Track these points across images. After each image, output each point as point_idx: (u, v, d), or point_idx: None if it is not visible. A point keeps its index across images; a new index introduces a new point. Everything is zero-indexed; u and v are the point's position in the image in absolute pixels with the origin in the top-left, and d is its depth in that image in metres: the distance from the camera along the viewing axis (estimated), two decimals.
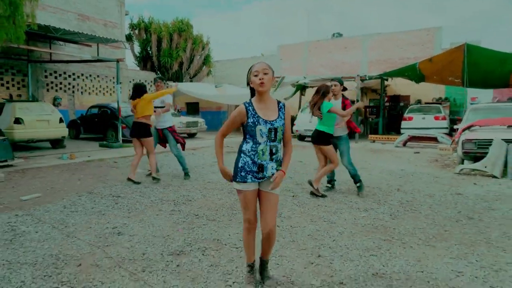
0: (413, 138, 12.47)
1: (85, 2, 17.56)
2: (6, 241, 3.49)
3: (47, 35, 13.33)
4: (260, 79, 2.47)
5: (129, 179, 6.05)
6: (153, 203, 4.88)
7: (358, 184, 5.46)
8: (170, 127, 6.57)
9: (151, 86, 20.33)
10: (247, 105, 2.56)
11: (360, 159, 9.17)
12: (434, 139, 12.01)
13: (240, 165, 2.55)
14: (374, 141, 14.29)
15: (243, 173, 2.53)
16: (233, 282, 2.70)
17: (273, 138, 2.53)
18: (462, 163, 7.75)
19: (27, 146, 11.35)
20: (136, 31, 22.91)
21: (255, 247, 2.69)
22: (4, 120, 10.23)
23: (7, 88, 15.08)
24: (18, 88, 15.46)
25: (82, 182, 6.18)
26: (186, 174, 6.61)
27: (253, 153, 2.52)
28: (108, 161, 8.66)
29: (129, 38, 22.84)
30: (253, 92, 2.62)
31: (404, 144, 12.55)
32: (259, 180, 2.54)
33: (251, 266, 2.67)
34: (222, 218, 4.25)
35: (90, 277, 2.76)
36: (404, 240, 3.57)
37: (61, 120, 11.08)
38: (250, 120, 2.51)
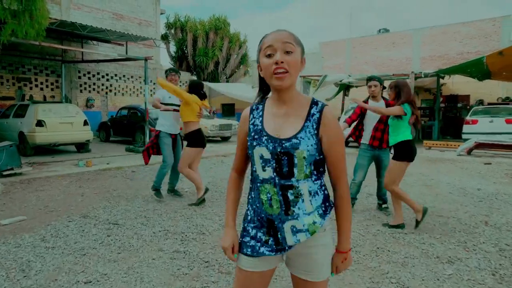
0: (480, 145, 10.54)
1: (120, 1, 17.09)
2: None
3: (77, 33, 12.85)
4: (277, 63, 1.26)
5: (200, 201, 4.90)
6: (155, 236, 3.73)
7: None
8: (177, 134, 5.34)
9: (183, 85, 19.65)
10: (254, 106, 1.44)
11: (417, 171, 7.59)
12: (508, 147, 10.02)
13: (244, 223, 1.46)
14: (430, 148, 12.44)
15: (247, 238, 1.41)
16: None
17: (284, 173, 1.30)
18: None
19: (51, 149, 10.80)
20: (172, 31, 22.36)
21: None
22: (27, 123, 9.71)
23: (41, 89, 14.86)
24: (52, 89, 15.22)
25: (83, 200, 5.20)
26: (175, 191, 5.40)
27: (255, 198, 1.39)
28: (126, 170, 7.71)
29: (165, 37, 22.34)
30: (266, 86, 1.44)
31: (469, 152, 10.65)
32: (272, 254, 1.35)
33: None
34: None
35: None
36: None
37: (85, 123, 10.41)
38: (249, 134, 1.39)
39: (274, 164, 1.30)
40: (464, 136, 12.25)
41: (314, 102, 1.35)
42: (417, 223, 3.94)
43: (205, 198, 4.93)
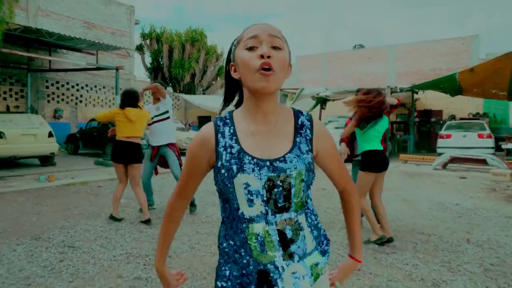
0: (455, 159, 10.64)
1: (92, 9, 16.62)
2: None
3: (46, 41, 12.27)
4: (262, 57, 0.96)
5: (112, 217, 4.58)
6: (115, 261, 3.34)
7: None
8: (171, 144, 5.01)
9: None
10: (219, 122, 1.09)
11: (396, 186, 7.48)
12: (482, 161, 10.15)
13: (221, 282, 1.06)
14: (406, 162, 12.49)
15: (218, 284, 1.06)
16: None
17: (281, 204, 1.00)
18: None
19: (12, 163, 10.09)
20: (148, 41, 21.94)
21: None
22: None
23: (4, 99, 14.08)
24: (16, 99, 14.45)
25: (39, 219, 4.71)
26: (193, 205, 5.05)
27: (238, 246, 1.03)
28: (92, 185, 7.21)
29: (139, 48, 21.88)
30: (236, 94, 1.18)
31: (444, 166, 10.72)
32: None
33: None
34: None
35: None
36: None
37: (50, 134, 9.81)
38: (220, 160, 1.03)
39: (265, 195, 0.98)
40: (438, 150, 12.40)
41: (297, 112, 1.11)
42: (367, 241, 3.79)
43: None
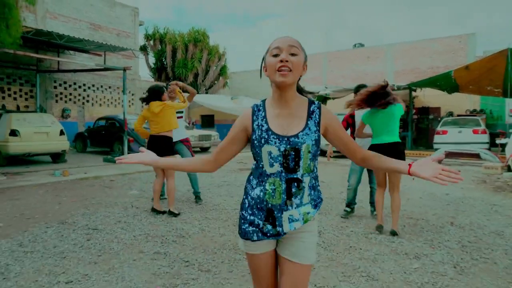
0: (450, 155, 11.04)
1: (98, 11, 17.07)
2: None
3: (54, 43, 12.72)
4: (281, 62, 1.40)
5: (153, 210, 4.83)
6: (135, 240, 3.79)
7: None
8: (185, 139, 5.42)
9: None
10: (255, 108, 1.55)
11: None
12: (475, 156, 10.55)
13: (242, 211, 1.58)
14: None
15: (245, 225, 1.54)
16: None
17: (292, 167, 1.45)
18: None
19: (25, 160, 10.56)
20: (151, 42, 22.39)
21: None
22: None
23: (15, 99, 14.54)
24: (26, 99, 14.90)
25: (61, 207, 5.17)
26: (198, 198, 5.51)
27: (258, 190, 1.51)
28: (104, 179, 7.67)
29: (143, 49, 22.33)
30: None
31: (440, 162, 11.10)
32: (270, 238, 1.51)
33: None
34: (219, 267, 3.10)
35: None
36: None
37: (62, 133, 10.26)
38: (255, 134, 1.49)
39: (281, 160, 1.44)
40: (435, 146, 12.80)
41: (311, 101, 1.53)
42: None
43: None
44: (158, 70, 22.71)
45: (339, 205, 5.42)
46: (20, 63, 14.22)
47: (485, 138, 12.14)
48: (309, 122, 1.48)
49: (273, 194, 1.46)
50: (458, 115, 15.83)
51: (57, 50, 14.54)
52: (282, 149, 1.43)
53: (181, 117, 5.47)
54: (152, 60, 22.93)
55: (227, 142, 1.57)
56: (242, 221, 1.55)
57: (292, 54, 1.41)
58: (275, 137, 1.44)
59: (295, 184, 1.46)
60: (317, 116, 1.49)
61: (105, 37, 17.06)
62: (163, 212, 4.78)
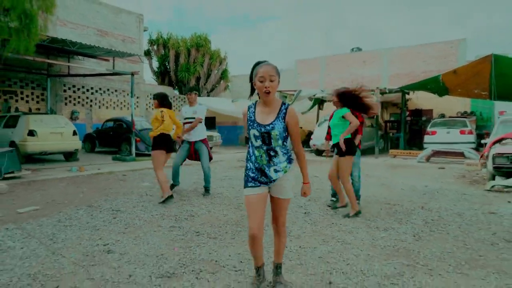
0: (437, 153, 11.78)
1: (104, 18, 17.89)
2: None
3: (65, 49, 13.52)
4: (266, 87, 2.30)
5: (166, 199, 5.34)
6: (153, 218, 4.54)
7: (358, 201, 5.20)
8: (204, 139, 6.15)
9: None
10: (250, 106, 2.46)
11: (379, 175, 8.64)
12: (461, 154, 11.30)
13: (246, 171, 2.51)
14: (395, 156, 13.64)
15: (245, 178, 2.49)
16: None
17: (267, 142, 2.36)
18: (493, 179, 7.11)
19: (40, 158, 11.32)
20: (155, 47, 23.20)
21: (264, 252, 2.73)
22: (18, 132, 10.24)
23: (27, 102, 15.33)
24: (37, 102, 15.69)
25: (85, 195, 5.92)
26: (207, 191, 6.15)
27: (253, 157, 2.45)
28: (117, 174, 8.43)
29: (147, 53, 23.13)
30: (254, 89, 2.46)
31: (428, 160, 11.87)
32: (261, 185, 2.43)
33: (256, 269, 2.60)
34: (224, 236, 3.85)
35: None
36: (431, 266, 3.07)
37: (74, 133, 11.04)
38: (248, 120, 2.42)
39: (260, 138, 2.36)
40: (425, 146, 13.52)
41: (283, 104, 2.41)
42: (347, 215, 4.76)
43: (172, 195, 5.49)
44: (162, 74, 23.51)
45: (327, 194, 6.15)
46: (32, 68, 15.03)
47: (472, 138, 12.88)
48: (278, 116, 2.35)
49: (260, 158, 2.37)
50: (450, 117, 16.56)
51: (67, 56, 15.35)
52: (261, 131, 2.34)
53: (190, 122, 6.01)
54: (155, 64, 23.75)
55: (244, 125, 2.48)
56: (246, 178, 2.45)
57: (272, 81, 2.29)
58: (257, 125, 2.36)
59: (271, 152, 2.35)
60: (283, 114, 2.36)
61: (111, 42, 17.87)
62: (171, 196, 5.40)
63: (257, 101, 2.46)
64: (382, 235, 3.89)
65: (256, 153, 2.39)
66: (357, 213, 4.75)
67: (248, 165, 2.46)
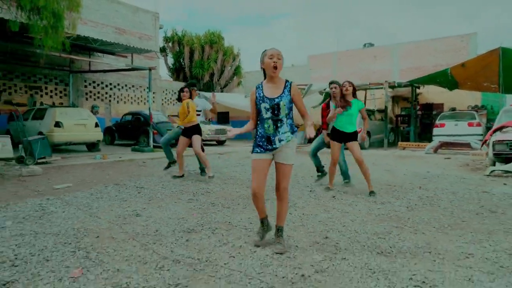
0: (445, 145, 12.05)
1: (122, 16, 18.58)
2: (35, 217, 3.78)
3: (87, 46, 14.24)
4: (274, 62, 2.77)
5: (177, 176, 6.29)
6: (173, 193, 5.08)
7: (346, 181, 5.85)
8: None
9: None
10: (257, 86, 2.92)
11: (386, 163, 9.01)
12: (467, 146, 11.55)
13: (254, 141, 2.94)
14: (404, 149, 13.92)
15: (254, 144, 2.94)
16: (238, 253, 2.79)
17: (276, 113, 2.81)
18: (494, 165, 7.43)
19: (65, 148, 12.05)
20: (170, 44, 23.87)
21: (268, 212, 3.14)
22: (45, 124, 10.96)
23: (51, 96, 16.16)
24: (60, 97, 16.52)
25: (111, 177, 6.52)
26: (203, 171, 6.65)
27: (262, 127, 2.88)
28: (138, 161, 9.04)
29: (163, 50, 23.81)
30: (265, 74, 2.92)
31: (436, 151, 12.14)
32: (267, 151, 2.87)
33: (261, 221, 3.04)
34: (236, 206, 4.36)
35: (105, 245, 2.95)
36: (417, 227, 3.51)
37: (96, 125, 11.72)
38: (257, 98, 2.86)
39: (270, 110, 2.82)
40: (434, 138, 13.77)
41: (286, 81, 2.89)
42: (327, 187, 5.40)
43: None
44: (177, 70, 24.18)
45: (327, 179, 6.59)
46: (55, 64, 15.83)
47: (479, 130, 13.07)
48: (284, 90, 2.83)
49: (268, 128, 2.84)
50: (459, 110, 16.69)
51: (88, 53, 16.10)
52: (270, 104, 2.79)
53: (199, 114, 6.71)
54: (170, 61, 24.43)
55: (251, 107, 2.95)
56: (254, 144, 2.93)
57: (279, 59, 2.80)
58: (267, 99, 2.82)
59: (279, 122, 2.81)
60: (289, 88, 2.85)
61: (129, 40, 18.55)
62: (183, 175, 6.34)
63: (262, 81, 2.94)
64: (378, 207, 4.34)
65: (265, 124, 2.84)
66: (372, 192, 5.07)
67: (257, 135, 2.92)
